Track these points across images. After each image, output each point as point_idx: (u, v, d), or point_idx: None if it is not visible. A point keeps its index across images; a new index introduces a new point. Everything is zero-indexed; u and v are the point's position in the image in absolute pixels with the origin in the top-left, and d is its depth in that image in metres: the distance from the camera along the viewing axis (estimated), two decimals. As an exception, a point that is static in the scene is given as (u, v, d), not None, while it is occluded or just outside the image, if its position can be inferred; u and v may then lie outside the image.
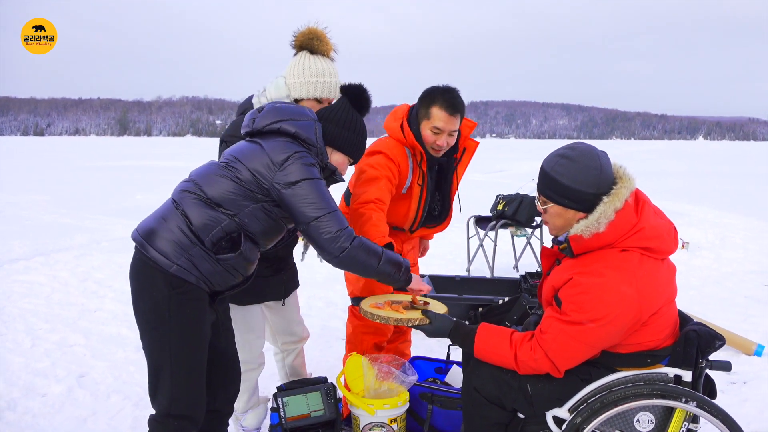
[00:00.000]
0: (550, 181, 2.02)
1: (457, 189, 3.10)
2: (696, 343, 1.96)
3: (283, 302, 2.90)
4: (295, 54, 2.61)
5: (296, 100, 2.58)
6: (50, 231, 8.71)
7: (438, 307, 2.39)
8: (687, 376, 1.97)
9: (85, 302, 5.22)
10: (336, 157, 2.37)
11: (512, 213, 6.34)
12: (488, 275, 6.08)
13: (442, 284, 4.81)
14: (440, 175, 3.02)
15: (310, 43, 2.57)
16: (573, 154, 2.00)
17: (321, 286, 5.74)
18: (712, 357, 2.03)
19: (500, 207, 6.47)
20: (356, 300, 3.07)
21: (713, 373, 2.09)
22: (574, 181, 1.96)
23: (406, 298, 2.48)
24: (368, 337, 3.05)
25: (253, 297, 2.73)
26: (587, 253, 1.99)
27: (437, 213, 3.08)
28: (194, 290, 2.08)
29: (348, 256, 2.13)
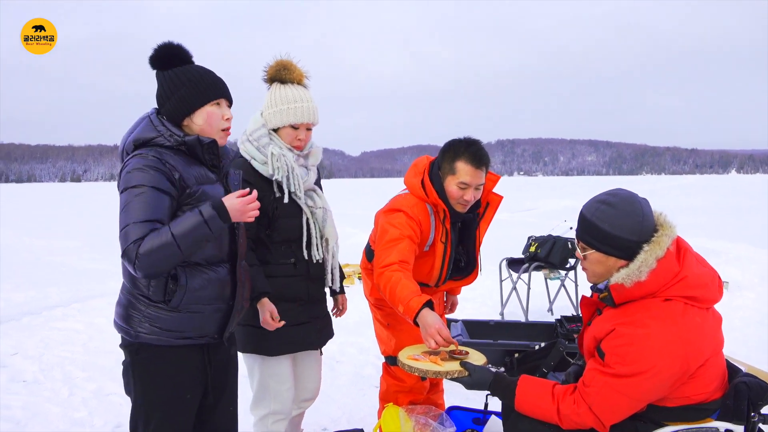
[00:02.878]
0: (591, 227, 2.00)
1: (481, 244, 3.02)
2: (747, 396, 1.90)
3: (321, 351, 2.85)
4: (269, 88, 2.69)
5: (275, 131, 2.64)
6: (86, 277, 8.87)
7: (477, 357, 2.34)
8: (739, 430, 1.90)
9: (121, 350, 5.26)
10: (199, 119, 2.08)
11: (545, 255, 6.26)
12: (522, 319, 5.98)
13: (475, 329, 4.76)
14: (463, 231, 2.97)
15: (279, 74, 2.64)
16: (614, 200, 1.99)
17: (353, 332, 5.70)
18: (765, 410, 1.96)
19: (533, 249, 6.41)
20: (390, 359, 3.02)
21: (766, 428, 2.01)
22: (616, 228, 1.94)
23: (443, 348, 2.44)
24: (403, 396, 2.98)
25: (289, 346, 2.68)
26: (629, 303, 1.95)
27: (463, 265, 3.02)
28: (163, 353, 2.03)
29: (146, 273, 1.90)
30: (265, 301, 2.51)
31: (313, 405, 3.98)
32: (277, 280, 2.63)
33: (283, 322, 2.39)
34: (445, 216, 2.80)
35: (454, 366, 2.22)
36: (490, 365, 3.20)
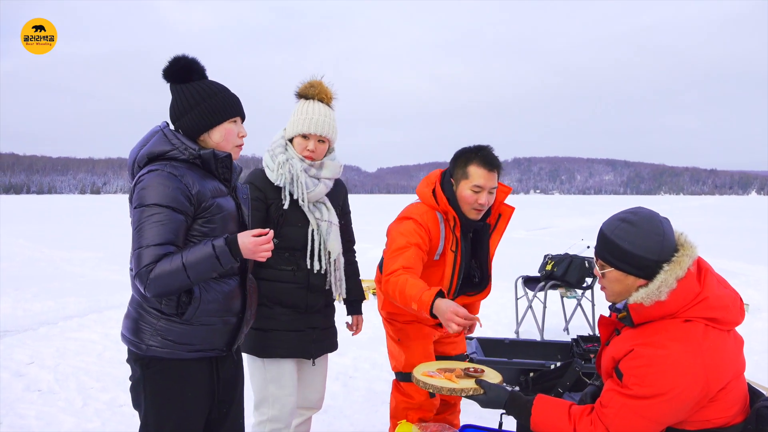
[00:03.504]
0: (611, 245, 1.97)
1: (493, 257, 3.00)
2: (769, 421, 1.85)
3: (313, 362, 2.82)
4: (296, 102, 2.81)
5: (290, 140, 2.76)
6: (103, 288, 8.94)
7: (492, 376, 2.30)
8: (760, 455, 1.85)
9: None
10: (216, 135, 2.12)
11: (562, 274, 6.21)
12: (538, 338, 5.92)
13: (490, 347, 4.71)
14: (476, 243, 2.95)
15: (305, 91, 2.78)
16: (635, 218, 1.96)
17: (366, 347, 5.68)
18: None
19: (549, 267, 6.36)
20: (400, 375, 3.00)
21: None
22: (636, 246, 1.91)
23: (459, 365, 2.41)
24: (413, 413, 2.95)
25: (280, 350, 2.68)
26: (648, 323, 1.92)
27: (477, 280, 3.00)
28: (173, 366, 2.03)
29: (156, 295, 1.92)
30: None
31: (325, 419, 3.97)
32: (276, 285, 2.67)
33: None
34: (455, 224, 2.79)
35: (470, 383, 2.19)
36: (505, 384, 3.17)
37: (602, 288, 2.09)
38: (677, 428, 1.90)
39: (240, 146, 2.22)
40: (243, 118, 2.22)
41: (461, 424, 3.25)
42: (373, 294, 8.34)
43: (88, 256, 13.17)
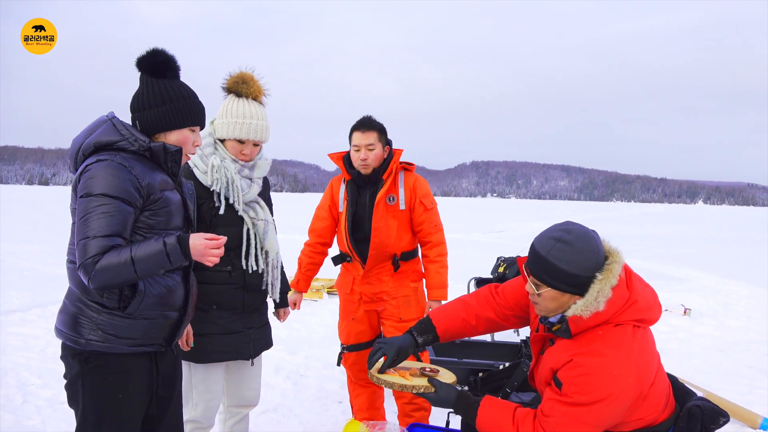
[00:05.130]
0: (548, 266, 1.94)
1: (382, 214, 3.28)
2: (700, 420, 1.93)
3: (252, 362, 2.82)
4: (225, 97, 2.71)
5: (221, 141, 2.67)
6: (49, 283, 8.66)
7: (447, 377, 2.34)
8: (691, 453, 1.93)
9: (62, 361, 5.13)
10: (172, 137, 2.09)
11: (513, 276, 6.30)
12: (488, 339, 6.00)
13: (442, 347, 4.75)
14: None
15: (236, 87, 2.67)
16: (570, 238, 1.94)
17: (318, 346, 5.67)
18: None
19: (501, 269, 6.44)
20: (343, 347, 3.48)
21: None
22: (574, 266, 1.91)
23: (416, 365, 2.44)
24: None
25: (217, 355, 2.66)
26: (584, 332, 1.96)
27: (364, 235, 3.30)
28: (114, 361, 1.98)
29: (99, 287, 1.88)
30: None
31: (274, 418, 3.95)
32: (212, 288, 2.63)
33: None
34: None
35: (422, 381, 2.22)
36: (458, 385, 3.20)
37: (534, 304, 2.07)
38: (615, 431, 1.96)
39: (191, 154, 2.22)
40: (202, 128, 2.21)
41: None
42: (327, 293, 8.32)
43: (34, 250, 12.75)
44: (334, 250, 3.50)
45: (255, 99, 2.69)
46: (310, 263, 3.52)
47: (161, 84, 2.07)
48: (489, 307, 2.37)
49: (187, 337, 2.52)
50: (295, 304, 3.48)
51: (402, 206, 3.28)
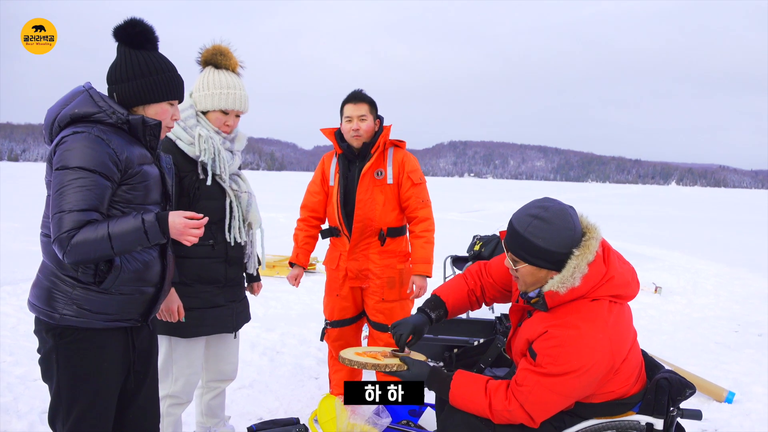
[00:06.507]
0: (525, 243, 1.98)
1: (368, 187, 3.30)
2: (667, 391, 1.98)
3: (235, 335, 2.85)
4: (201, 70, 2.71)
5: (203, 113, 2.66)
6: (20, 259, 8.52)
7: (417, 356, 2.39)
8: (658, 424, 1.98)
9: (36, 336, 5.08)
10: (151, 111, 2.05)
11: (489, 254, 6.35)
12: (464, 316, 6.07)
13: (417, 324, 4.80)
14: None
15: (215, 59, 2.67)
16: (547, 215, 1.97)
17: (295, 323, 5.67)
18: (684, 405, 2.05)
19: (477, 248, 6.50)
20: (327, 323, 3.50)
21: (684, 421, 2.10)
22: (551, 243, 1.94)
23: (385, 349, 2.48)
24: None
25: (203, 328, 2.66)
26: (560, 306, 2.00)
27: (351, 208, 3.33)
28: (89, 336, 1.96)
29: (74, 262, 1.85)
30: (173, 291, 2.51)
31: (251, 394, 3.96)
32: (195, 262, 2.62)
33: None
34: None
35: (394, 360, 2.25)
36: (430, 360, 3.23)
37: (514, 279, 2.12)
38: (585, 402, 2.01)
39: (169, 128, 2.17)
40: (180, 102, 2.17)
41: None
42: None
43: (5, 227, 12.50)
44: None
45: (233, 71, 2.69)
46: (307, 236, 3.52)
47: (140, 56, 2.01)
48: (483, 282, 2.49)
49: (178, 311, 2.51)
50: (295, 279, 3.50)
51: (390, 180, 3.31)
